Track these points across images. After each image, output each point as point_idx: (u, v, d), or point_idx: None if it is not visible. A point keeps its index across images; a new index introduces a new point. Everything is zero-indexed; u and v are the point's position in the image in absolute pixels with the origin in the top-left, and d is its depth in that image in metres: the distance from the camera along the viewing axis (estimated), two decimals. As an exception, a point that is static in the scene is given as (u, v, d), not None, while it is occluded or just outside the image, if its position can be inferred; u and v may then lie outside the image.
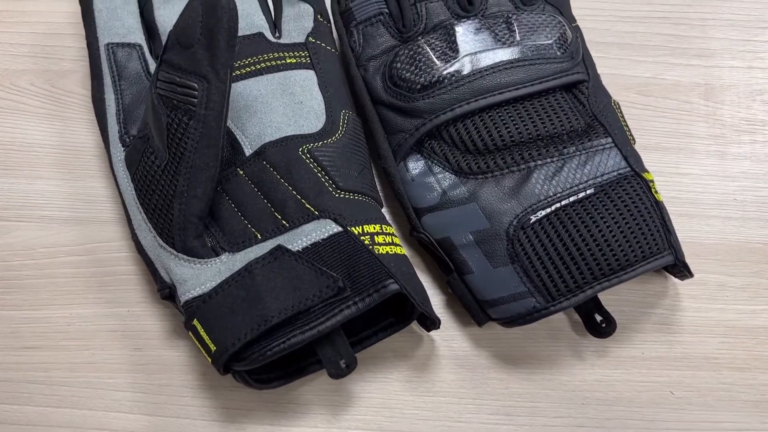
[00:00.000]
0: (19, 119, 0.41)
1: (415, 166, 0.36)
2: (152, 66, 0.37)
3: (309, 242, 0.32)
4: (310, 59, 0.38)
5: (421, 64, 0.35)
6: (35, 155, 0.40)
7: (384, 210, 0.37)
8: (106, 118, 0.36)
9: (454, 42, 0.35)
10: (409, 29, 0.37)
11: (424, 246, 0.37)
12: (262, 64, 0.37)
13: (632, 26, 0.44)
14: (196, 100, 0.31)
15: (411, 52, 0.36)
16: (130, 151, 0.35)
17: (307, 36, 0.38)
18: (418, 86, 0.35)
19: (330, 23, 0.40)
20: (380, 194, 0.36)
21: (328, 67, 0.38)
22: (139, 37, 0.38)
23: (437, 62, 0.35)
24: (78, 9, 0.39)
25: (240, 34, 0.38)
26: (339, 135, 0.35)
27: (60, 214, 0.39)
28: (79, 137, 0.40)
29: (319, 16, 0.39)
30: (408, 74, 0.35)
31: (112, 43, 0.37)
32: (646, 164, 0.35)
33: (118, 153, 0.35)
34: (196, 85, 0.31)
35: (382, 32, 0.38)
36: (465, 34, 0.36)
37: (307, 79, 0.37)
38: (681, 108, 0.41)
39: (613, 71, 0.42)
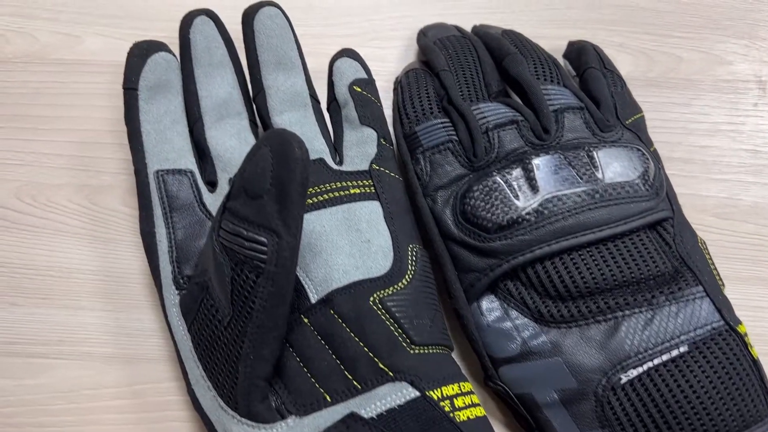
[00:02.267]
0: (58, 241, 0.39)
1: (490, 308, 0.35)
2: (205, 194, 0.36)
3: (384, 408, 0.31)
4: (375, 189, 0.36)
5: (498, 202, 0.34)
6: (75, 282, 0.39)
7: (454, 353, 0.35)
8: (157, 256, 0.35)
9: (533, 179, 0.34)
10: (481, 159, 0.36)
11: (500, 395, 0.35)
12: (325, 196, 0.36)
13: (705, 139, 0.43)
14: (265, 257, 0.29)
15: (486, 189, 0.35)
16: (186, 297, 0.33)
17: (371, 162, 0.37)
18: (495, 226, 0.34)
19: (393, 146, 0.39)
20: (450, 336, 0.35)
21: (394, 197, 0.37)
22: (190, 161, 0.36)
23: (515, 201, 0.34)
24: (115, 116, 0.38)
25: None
26: (409, 277, 0.34)
27: (103, 350, 0.37)
28: (123, 262, 0.39)
29: (382, 140, 0.38)
30: (483, 212, 0.34)
31: (162, 170, 0.36)
32: (729, 297, 0.34)
33: (172, 296, 0.34)
34: (265, 239, 0.30)
35: (450, 160, 0.37)
36: (544, 170, 0.35)
37: (373, 212, 0.35)
38: (761, 233, 0.40)
39: (686, 190, 0.41)
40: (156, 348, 0.37)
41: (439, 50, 0.41)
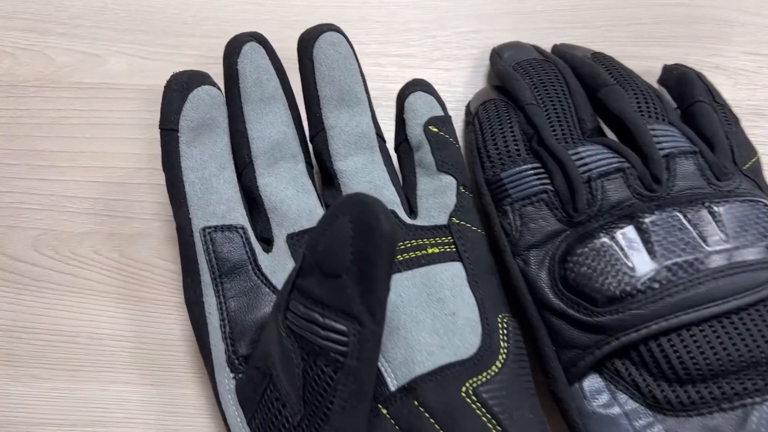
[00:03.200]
0: (85, 302, 0.35)
1: (595, 391, 0.31)
2: (260, 255, 0.31)
3: None
4: (456, 247, 0.32)
5: (608, 269, 0.30)
6: (107, 350, 0.34)
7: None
8: (206, 330, 0.30)
9: (649, 241, 0.30)
10: (582, 212, 0.31)
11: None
12: (400, 257, 0.31)
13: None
14: (344, 348, 0.25)
15: (592, 252, 0.30)
16: (245, 384, 0.29)
17: (450, 215, 0.32)
18: (604, 298, 0.29)
19: (471, 194, 0.34)
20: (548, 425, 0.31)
21: (478, 256, 0.32)
22: (240, 214, 0.32)
23: (628, 269, 0.30)
24: (146, 150, 0.33)
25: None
26: (503, 357, 0.30)
27: (142, 433, 0.33)
28: (162, 326, 0.35)
29: (461, 188, 0.33)
30: (590, 281, 0.30)
31: (209, 227, 0.31)
32: None
33: (226, 381, 0.30)
34: (344, 328, 0.25)
35: (545, 214, 0.32)
36: (660, 230, 0.30)
37: (456, 276, 0.31)
38: None
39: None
40: (205, 428, 0.33)
41: (522, 77, 0.36)
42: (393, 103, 0.36)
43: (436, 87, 0.38)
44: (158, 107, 0.31)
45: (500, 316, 0.31)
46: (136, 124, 0.38)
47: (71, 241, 0.36)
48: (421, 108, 0.33)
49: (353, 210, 0.25)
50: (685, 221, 0.30)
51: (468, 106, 0.38)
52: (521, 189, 0.33)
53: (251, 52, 0.33)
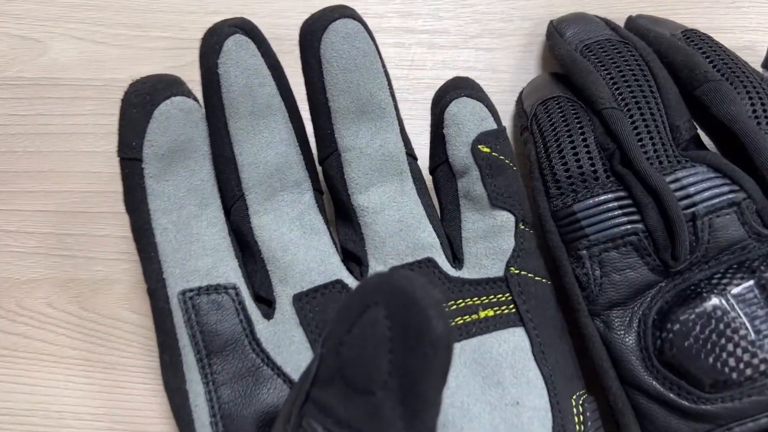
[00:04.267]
0: (39, 370, 0.28)
1: (697, 492, 0.24)
2: (258, 323, 0.25)
3: None
4: (517, 307, 0.25)
5: (723, 342, 0.23)
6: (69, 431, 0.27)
7: None
8: (192, 427, 0.24)
9: (780, 306, 0.23)
10: (681, 260, 0.24)
11: None
12: (443, 325, 0.24)
13: None
14: None
15: (701, 318, 0.23)
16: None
17: (508, 264, 0.25)
18: (716, 382, 0.23)
19: (532, 230, 0.27)
20: None
21: (545, 317, 0.25)
22: (231, 268, 0.25)
23: (750, 344, 0.23)
24: (107, 167, 0.26)
25: (399, 262, 0.25)
26: None
27: None
28: (136, 400, 0.28)
29: (521, 225, 0.25)
30: (698, 360, 0.23)
31: (191, 290, 0.24)
32: None
33: (221, 498, 0.23)
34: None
35: (633, 262, 0.25)
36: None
37: (518, 348, 0.24)
38: None
39: None
40: None
41: (595, 68, 0.28)
42: (420, 97, 0.28)
43: (475, 75, 0.30)
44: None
45: (575, 396, 0.25)
46: (93, 133, 0.31)
47: (17, 290, 0.29)
48: (467, 121, 0.25)
49: (390, 301, 0.18)
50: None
51: (520, 101, 0.30)
52: (602, 228, 0.25)
53: (236, 49, 0.25)
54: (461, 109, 0.25)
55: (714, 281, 0.24)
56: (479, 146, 0.25)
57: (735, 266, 0.25)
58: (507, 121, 0.32)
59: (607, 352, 0.25)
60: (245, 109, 0.25)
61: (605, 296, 0.25)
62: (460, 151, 0.26)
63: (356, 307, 0.19)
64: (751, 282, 0.24)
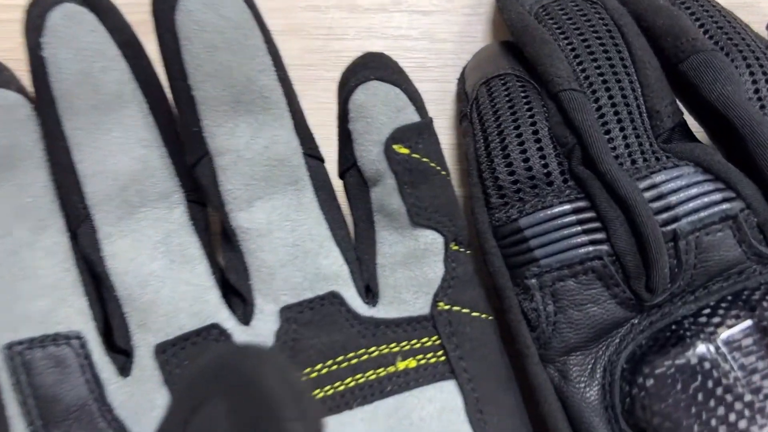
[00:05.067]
0: None
1: None
2: (110, 382, 0.19)
3: None
4: (447, 355, 0.19)
5: (711, 405, 0.18)
6: None
7: None
8: None
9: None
10: (658, 291, 0.19)
11: None
12: (349, 380, 0.19)
13: None
14: None
15: (683, 374, 0.18)
16: None
17: (435, 298, 0.20)
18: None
19: (469, 250, 0.21)
20: None
21: (483, 365, 0.20)
22: (75, 310, 0.20)
23: (748, 407, 0.17)
24: None
25: (294, 299, 0.19)
26: None
27: None
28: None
29: (453, 246, 0.20)
30: (683, 429, 0.18)
31: (20, 343, 0.19)
32: None
33: None
34: None
35: (596, 294, 0.20)
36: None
37: (448, 410, 0.20)
38: None
39: None
40: None
41: (553, 36, 0.22)
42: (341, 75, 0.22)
43: (409, 45, 0.24)
44: None
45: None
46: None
47: None
48: (378, 113, 0.20)
49: (233, 394, 0.13)
50: None
51: (462, 80, 0.24)
52: (556, 250, 0.20)
53: (66, 23, 0.19)
54: (370, 97, 0.20)
55: (702, 320, 0.19)
56: (395, 146, 0.20)
57: (729, 299, 0.19)
58: (450, 107, 0.26)
59: (563, 409, 0.20)
60: (84, 102, 0.19)
61: (561, 338, 0.20)
62: (369, 153, 0.20)
63: (190, 400, 0.13)
64: (750, 323, 0.18)
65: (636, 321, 0.20)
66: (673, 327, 0.19)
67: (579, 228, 0.20)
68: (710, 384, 0.18)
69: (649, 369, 0.18)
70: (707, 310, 0.19)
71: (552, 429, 0.20)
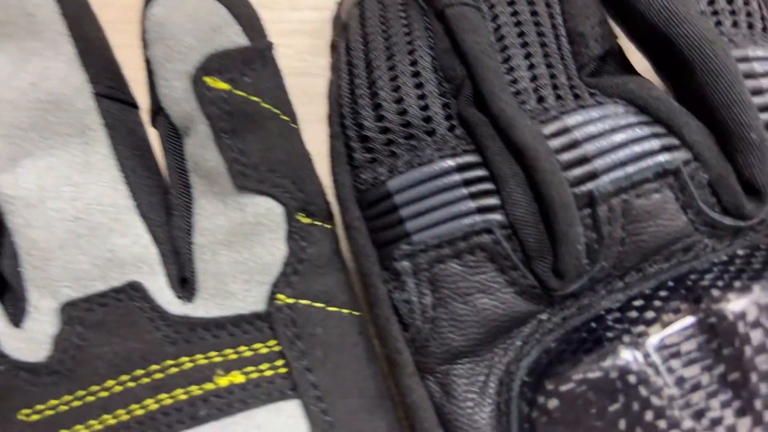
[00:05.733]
0: None
1: None
2: None
3: None
4: (288, 367, 0.14)
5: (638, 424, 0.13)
6: None
7: None
8: None
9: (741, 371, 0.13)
10: (570, 275, 0.14)
11: None
12: (151, 402, 0.14)
13: None
14: None
15: (608, 391, 0.14)
16: None
17: (273, 289, 0.15)
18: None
19: (329, 223, 0.16)
20: None
21: (341, 378, 0.16)
22: None
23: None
24: None
25: (80, 293, 0.14)
26: None
27: None
28: None
29: (300, 219, 0.15)
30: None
31: None
32: None
33: None
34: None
35: (488, 280, 0.15)
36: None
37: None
38: None
39: None
40: None
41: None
42: None
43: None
44: None
45: None
46: None
47: None
48: (182, 32, 0.14)
49: None
50: None
51: (340, 3, 0.19)
52: (433, 221, 0.15)
53: None
54: (172, 11, 0.14)
55: (631, 315, 0.14)
56: (207, 79, 0.14)
57: (671, 286, 0.14)
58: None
59: (441, 422, 0.15)
60: None
61: (442, 340, 0.15)
62: (173, 89, 0.15)
63: None
64: (692, 320, 0.13)
65: (544, 317, 0.15)
66: (592, 325, 0.14)
67: (464, 191, 0.14)
68: (636, 406, 0.13)
69: (553, 385, 0.13)
70: (639, 302, 0.14)
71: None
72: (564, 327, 0.14)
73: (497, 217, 0.14)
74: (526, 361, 0.14)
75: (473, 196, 0.14)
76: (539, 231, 0.14)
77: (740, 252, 0.14)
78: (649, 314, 0.14)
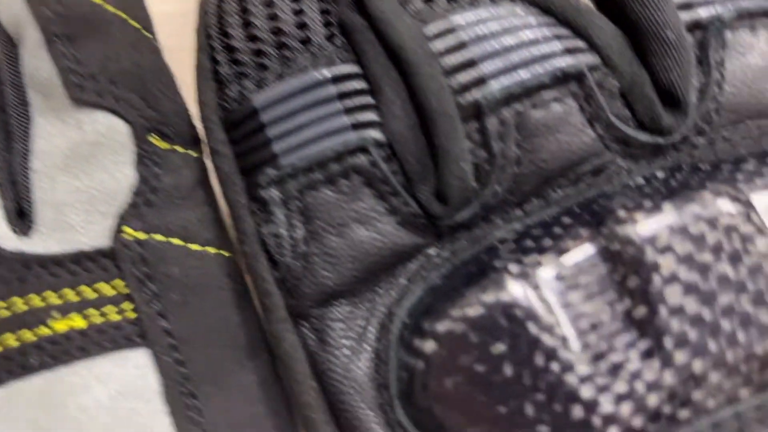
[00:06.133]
0: None
1: None
2: None
3: None
4: (138, 311, 0.12)
5: (532, 382, 0.11)
6: None
7: None
8: None
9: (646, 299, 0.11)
10: (455, 200, 0.12)
11: None
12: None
13: None
14: None
15: (489, 331, 0.12)
16: None
17: (120, 222, 0.13)
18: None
19: (194, 150, 0.14)
20: None
21: (201, 324, 0.14)
22: None
23: (567, 366, 0.10)
24: None
25: None
26: None
27: None
28: None
29: (153, 140, 0.13)
30: (482, 418, 0.11)
31: None
32: None
33: None
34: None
35: (367, 208, 0.13)
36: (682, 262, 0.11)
37: (131, 393, 0.12)
38: None
39: None
40: None
41: None
42: None
43: None
44: None
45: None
46: None
47: None
48: None
49: None
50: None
51: None
52: (303, 141, 0.13)
53: None
54: None
55: (527, 245, 0.12)
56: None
57: (576, 212, 0.12)
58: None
59: (322, 389, 0.13)
60: None
61: (315, 279, 0.13)
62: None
63: None
64: (592, 249, 0.11)
65: (432, 252, 0.13)
66: (483, 258, 0.12)
67: (339, 105, 0.13)
68: (523, 347, 0.11)
69: (430, 325, 0.12)
70: (538, 231, 0.12)
71: (304, 422, 0.13)
72: (452, 262, 0.12)
73: (375, 134, 0.12)
74: (408, 301, 0.12)
75: (349, 110, 0.12)
76: (420, 148, 0.12)
77: (659, 174, 0.12)
78: (546, 242, 0.12)
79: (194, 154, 0.14)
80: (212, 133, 0.14)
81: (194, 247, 0.14)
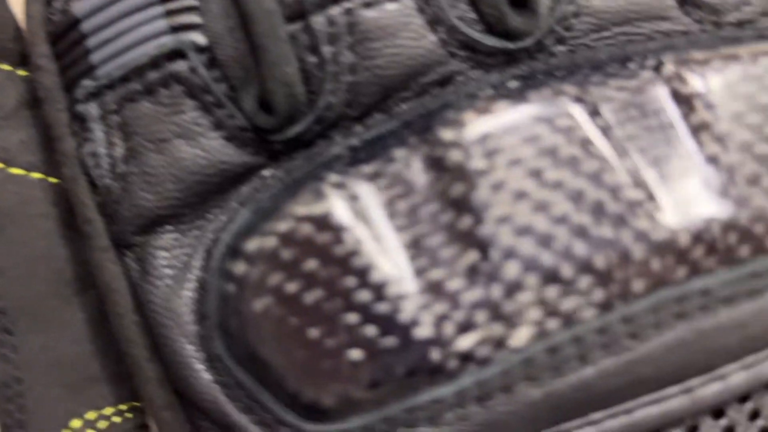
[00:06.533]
0: None
1: None
2: None
3: None
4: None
5: (344, 304, 0.10)
6: None
7: None
8: None
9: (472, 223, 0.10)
10: (285, 112, 0.11)
11: None
12: None
13: None
14: None
15: (295, 251, 0.10)
16: None
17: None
18: (341, 399, 0.10)
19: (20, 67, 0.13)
20: None
21: (21, 259, 0.13)
22: None
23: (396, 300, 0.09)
24: None
25: None
26: None
27: None
28: None
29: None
30: (295, 350, 0.10)
31: None
32: None
33: None
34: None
35: (189, 121, 0.11)
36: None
37: None
38: None
39: None
40: None
41: None
42: None
43: None
44: None
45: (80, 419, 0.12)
46: None
47: None
48: None
49: None
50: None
51: None
52: (120, 47, 0.12)
53: None
54: None
55: (358, 157, 0.11)
56: None
57: (410, 123, 0.11)
58: None
59: (143, 321, 0.12)
60: None
61: (134, 202, 0.12)
62: None
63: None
64: (417, 156, 0.10)
65: (267, 173, 0.12)
66: (314, 174, 0.11)
67: (160, 8, 0.11)
68: (336, 264, 0.10)
69: (242, 245, 0.10)
70: (372, 144, 0.11)
71: (126, 359, 0.12)
72: (284, 181, 0.11)
73: (195, 37, 0.11)
74: (236, 224, 0.11)
75: (169, 13, 0.11)
76: (242, 51, 0.11)
77: (511, 84, 0.11)
78: (374, 153, 0.11)
79: (21, 74, 0.13)
80: (35, 47, 0.13)
81: (15, 170, 0.12)
